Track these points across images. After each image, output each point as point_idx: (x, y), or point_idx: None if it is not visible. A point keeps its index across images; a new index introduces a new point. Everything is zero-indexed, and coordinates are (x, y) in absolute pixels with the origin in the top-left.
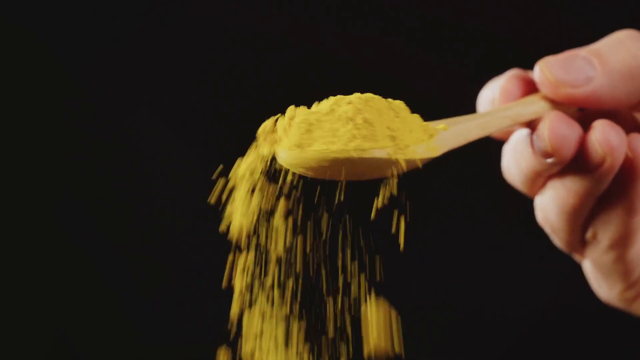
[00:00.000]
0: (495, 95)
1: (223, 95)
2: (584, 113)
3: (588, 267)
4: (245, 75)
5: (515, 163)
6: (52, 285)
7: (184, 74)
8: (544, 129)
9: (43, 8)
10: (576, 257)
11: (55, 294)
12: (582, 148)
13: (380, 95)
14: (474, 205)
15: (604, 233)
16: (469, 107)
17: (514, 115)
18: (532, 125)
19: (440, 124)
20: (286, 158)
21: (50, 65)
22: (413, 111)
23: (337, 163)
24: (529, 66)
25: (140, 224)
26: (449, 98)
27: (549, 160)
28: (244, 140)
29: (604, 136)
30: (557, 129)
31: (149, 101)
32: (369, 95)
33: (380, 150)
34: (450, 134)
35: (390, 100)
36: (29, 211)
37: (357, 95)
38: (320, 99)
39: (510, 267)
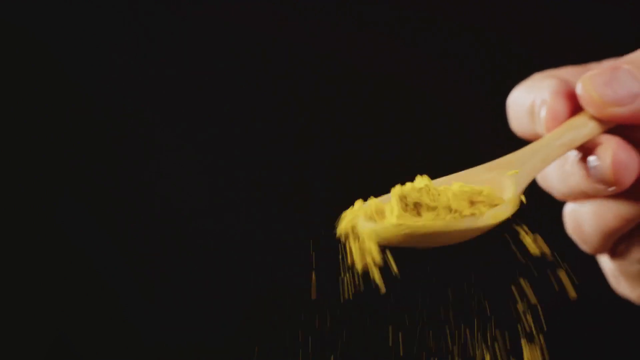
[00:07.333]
0: (541, 114)
1: (224, 95)
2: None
3: (609, 267)
4: (247, 75)
5: (561, 179)
6: (52, 285)
7: (185, 73)
8: (606, 157)
9: (43, 8)
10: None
11: (55, 294)
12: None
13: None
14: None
15: (639, 249)
16: (469, 108)
17: (569, 142)
18: (581, 147)
19: (510, 169)
20: (372, 231)
21: (50, 65)
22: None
23: (425, 236)
24: (530, 66)
25: (141, 223)
26: (449, 98)
27: (609, 189)
28: (245, 141)
29: None
30: (620, 159)
31: (149, 101)
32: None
33: (469, 219)
34: (520, 176)
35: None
36: (29, 211)
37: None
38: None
39: (512, 265)
